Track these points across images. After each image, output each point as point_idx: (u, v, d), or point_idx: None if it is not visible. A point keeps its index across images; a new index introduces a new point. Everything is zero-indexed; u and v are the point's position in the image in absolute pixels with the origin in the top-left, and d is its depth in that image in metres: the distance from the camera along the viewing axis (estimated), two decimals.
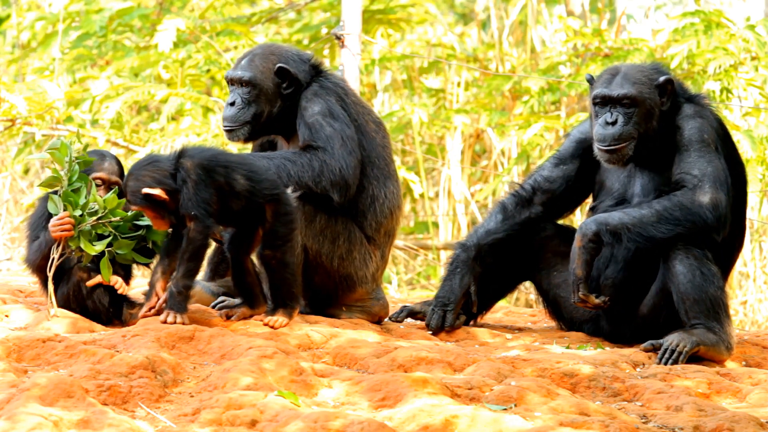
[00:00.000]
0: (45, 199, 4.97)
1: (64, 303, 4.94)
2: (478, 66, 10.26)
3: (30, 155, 9.10)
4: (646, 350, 5.04)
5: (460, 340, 5.36)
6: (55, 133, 8.85)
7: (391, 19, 10.18)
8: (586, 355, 4.88)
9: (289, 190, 5.01)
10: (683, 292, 5.10)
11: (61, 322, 4.84)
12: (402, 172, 9.10)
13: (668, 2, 10.21)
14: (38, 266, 4.94)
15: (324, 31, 10.20)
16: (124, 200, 4.88)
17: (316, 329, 4.92)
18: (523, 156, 8.75)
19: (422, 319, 5.55)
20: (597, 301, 5.21)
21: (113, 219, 4.86)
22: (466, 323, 5.58)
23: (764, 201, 8.38)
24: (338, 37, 7.62)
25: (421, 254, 9.74)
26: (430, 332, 5.40)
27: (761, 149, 7.54)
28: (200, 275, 5.26)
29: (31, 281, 5.77)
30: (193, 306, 4.98)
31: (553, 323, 5.67)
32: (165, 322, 4.75)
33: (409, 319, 5.61)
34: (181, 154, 4.86)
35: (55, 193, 4.91)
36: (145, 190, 4.78)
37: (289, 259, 4.94)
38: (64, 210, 4.84)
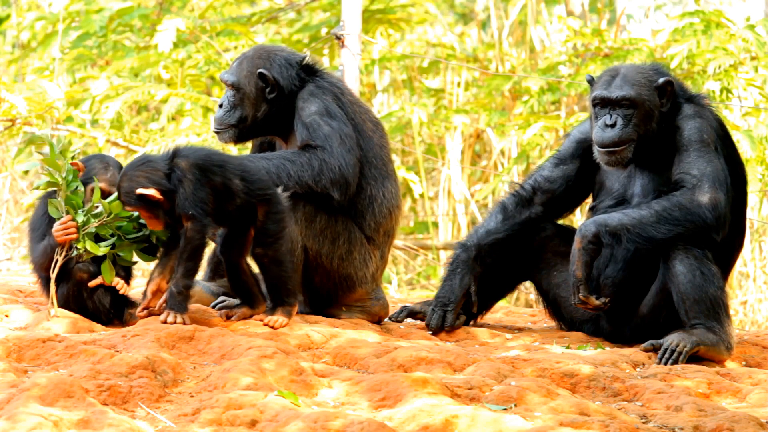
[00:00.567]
0: (46, 198, 4.97)
1: (64, 303, 4.95)
2: (478, 66, 10.26)
3: (22, 163, 9.10)
4: (646, 350, 5.04)
5: (460, 340, 5.36)
6: (55, 133, 8.85)
7: (391, 19, 10.18)
8: (586, 355, 4.88)
9: (279, 190, 5.01)
10: (683, 292, 5.10)
11: (61, 322, 4.84)
12: (402, 172, 9.10)
13: (668, 2, 10.22)
14: (44, 267, 4.95)
15: (324, 31, 10.20)
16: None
17: (316, 329, 4.92)
18: (522, 156, 8.75)
19: (422, 319, 5.55)
20: (597, 302, 5.21)
21: (116, 220, 4.87)
22: (466, 323, 5.59)
23: (764, 201, 8.39)
24: (338, 37, 7.63)
25: (421, 254, 9.74)
26: (430, 332, 5.40)
27: (761, 149, 7.54)
28: (200, 275, 5.26)
29: (31, 281, 5.77)
30: (193, 306, 4.98)
31: (553, 323, 5.67)
32: (165, 321, 4.75)
33: (409, 319, 5.61)
34: (175, 153, 4.85)
35: (53, 195, 4.90)
36: (139, 191, 4.78)
37: (282, 256, 4.93)
38: (67, 213, 4.84)
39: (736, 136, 7.41)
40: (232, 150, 8.06)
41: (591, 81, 5.45)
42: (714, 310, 5.10)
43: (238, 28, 9.29)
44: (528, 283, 5.86)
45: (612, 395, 4.43)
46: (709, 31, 8.00)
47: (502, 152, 9.84)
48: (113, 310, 5.00)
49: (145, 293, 4.91)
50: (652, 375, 4.68)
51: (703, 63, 7.90)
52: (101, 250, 4.82)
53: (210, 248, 5.27)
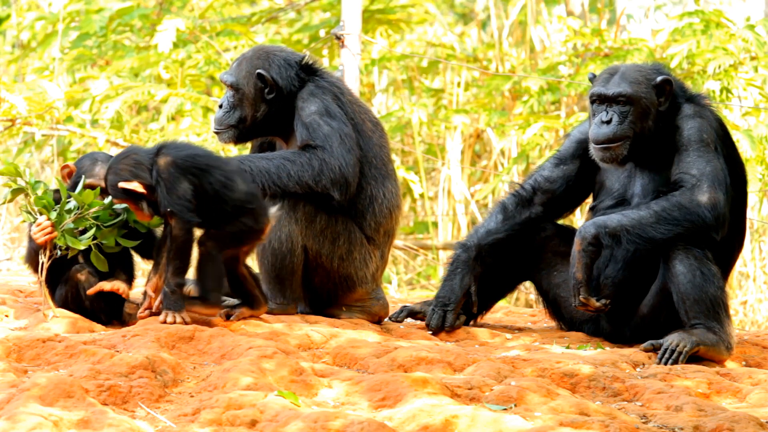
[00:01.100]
0: None
1: (63, 303, 4.95)
2: (477, 66, 10.26)
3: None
4: (646, 350, 5.04)
5: (460, 340, 5.36)
6: (55, 133, 8.85)
7: (391, 19, 10.18)
8: (586, 355, 4.88)
9: (273, 210, 4.96)
10: (683, 292, 5.10)
11: (61, 322, 4.84)
12: (401, 172, 9.10)
13: (668, 2, 10.22)
14: (33, 269, 4.96)
15: (322, 32, 10.20)
16: (98, 190, 4.87)
17: (316, 329, 4.92)
18: (522, 156, 8.75)
19: (422, 319, 5.55)
20: (598, 304, 5.21)
21: (91, 211, 4.85)
22: (466, 323, 5.59)
23: (764, 201, 8.39)
24: (338, 37, 7.63)
25: (420, 254, 9.74)
26: (430, 332, 5.40)
27: (761, 149, 7.54)
28: None
29: (31, 281, 5.77)
30: None
31: (553, 323, 5.67)
32: (165, 322, 4.74)
33: (409, 319, 5.61)
34: (159, 149, 4.84)
35: (19, 189, 4.91)
36: (121, 185, 4.78)
37: (216, 254, 4.90)
38: (40, 215, 4.83)
39: (736, 136, 7.41)
40: (233, 150, 8.07)
41: (592, 79, 5.45)
42: (714, 310, 5.10)
43: (238, 28, 9.29)
44: (528, 283, 5.86)
45: (612, 395, 4.43)
46: (709, 31, 8.00)
47: (502, 152, 9.84)
48: (111, 310, 5.00)
49: (144, 293, 4.91)
50: (652, 375, 4.67)
51: (703, 63, 7.90)
52: (82, 243, 4.81)
53: None
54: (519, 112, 8.90)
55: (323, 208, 5.32)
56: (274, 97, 5.47)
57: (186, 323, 4.74)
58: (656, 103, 5.33)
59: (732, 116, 7.85)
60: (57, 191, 4.92)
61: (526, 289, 8.40)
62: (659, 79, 5.32)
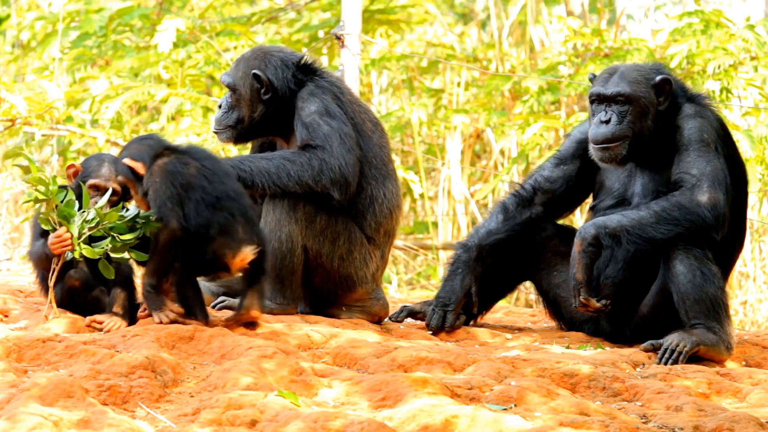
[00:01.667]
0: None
1: (59, 304, 4.95)
2: (477, 66, 10.26)
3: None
4: (646, 350, 5.04)
5: (460, 340, 5.36)
6: (55, 133, 8.85)
7: (391, 19, 10.18)
8: (586, 355, 4.88)
9: (249, 248, 4.80)
10: (683, 292, 5.10)
11: (61, 322, 4.84)
12: (401, 172, 9.10)
13: (668, 2, 10.22)
14: (38, 266, 4.95)
15: (321, 33, 10.20)
16: (119, 207, 4.87)
17: (316, 329, 4.92)
18: (522, 156, 8.75)
19: (422, 319, 5.55)
20: (598, 305, 5.21)
21: (109, 223, 4.85)
22: (466, 323, 5.59)
23: (764, 201, 8.39)
24: (338, 37, 7.63)
25: (420, 254, 9.74)
26: (430, 332, 5.40)
27: (760, 149, 7.54)
28: None
29: (31, 281, 5.77)
30: None
31: (553, 323, 5.67)
32: (160, 322, 4.75)
33: (409, 319, 5.61)
34: (163, 151, 4.84)
35: (43, 199, 4.88)
36: (125, 160, 4.80)
37: (184, 277, 4.89)
38: (60, 226, 4.81)
39: (736, 136, 7.41)
40: (232, 150, 8.07)
41: (592, 79, 5.46)
42: (714, 310, 5.10)
43: (238, 28, 9.29)
44: (528, 283, 5.86)
45: (612, 395, 4.43)
46: (709, 31, 8.00)
47: (502, 152, 9.84)
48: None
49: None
50: (652, 375, 4.67)
51: (702, 63, 7.90)
52: (96, 252, 4.81)
53: None
54: (519, 112, 8.90)
55: (323, 208, 5.32)
56: (270, 98, 5.47)
57: (179, 319, 4.73)
58: (655, 103, 5.33)
59: (732, 116, 7.86)
60: (64, 187, 4.91)
61: (526, 289, 8.40)
62: (658, 78, 5.32)
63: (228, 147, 8.03)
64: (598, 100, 5.32)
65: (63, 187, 4.88)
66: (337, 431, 3.74)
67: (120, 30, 9.73)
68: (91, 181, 4.98)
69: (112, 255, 4.82)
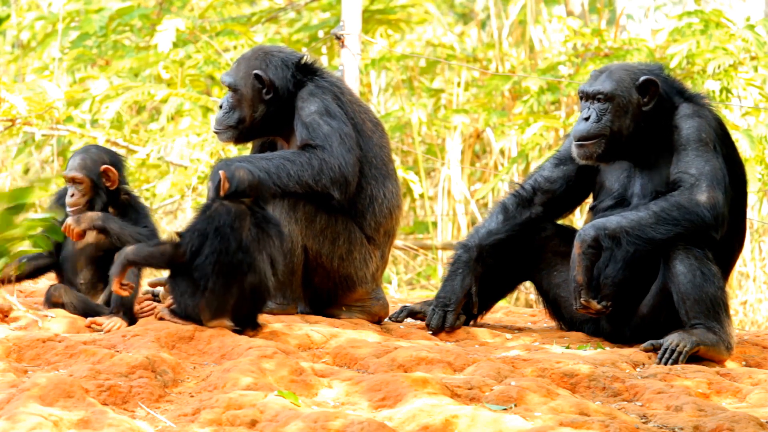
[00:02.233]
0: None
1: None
2: (477, 66, 10.26)
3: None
4: (646, 350, 5.04)
5: (460, 340, 5.36)
6: (55, 133, 8.85)
7: (391, 19, 10.18)
8: (586, 355, 4.88)
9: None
10: (683, 292, 5.10)
11: (61, 322, 4.84)
12: (400, 172, 9.10)
13: (668, 2, 10.22)
14: None
15: (321, 33, 10.20)
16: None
17: (316, 329, 4.92)
18: (522, 156, 8.75)
19: (422, 319, 5.55)
20: (599, 306, 5.21)
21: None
22: (466, 323, 5.58)
23: (764, 201, 8.39)
24: (338, 37, 7.63)
25: (420, 254, 9.74)
26: (430, 332, 5.40)
27: (760, 149, 7.54)
28: None
29: (31, 281, 5.76)
30: None
31: (553, 323, 5.67)
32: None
33: (409, 319, 5.61)
34: None
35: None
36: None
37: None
38: None
39: (736, 136, 7.41)
40: (232, 150, 8.06)
41: None
42: (714, 310, 5.10)
43: (238, 28, 9.29)
44: (528, 283, 5.86)
45: (612, 395, 4.43)
46: (708, 31, 8.00)
47: (502, 152, 9.84)
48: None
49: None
50: (652, 375, 4.67)
51: (702, 63, 7.90)
52: None
53: None
54: (519, 112, 8.90)
55: (323, 208, 5.32)
56: (271, 98, 5.47)
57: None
58: (637, 102, 5.32)
59: (732, 116, 7.85)
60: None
61: (526, 289, 8.40)
62: (642, 79, 5.31)
63: (228, 147, 8.03)
64: (583, 96, 5.36)
65: None
66: (337, 431, 3.74)
67: (120, 30, 9.73)
68: (63, 174, 5.01)
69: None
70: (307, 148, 5.30)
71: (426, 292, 8.95)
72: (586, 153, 5.32)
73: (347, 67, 7.58)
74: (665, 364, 4.93)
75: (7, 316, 4.91)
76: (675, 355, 4.97)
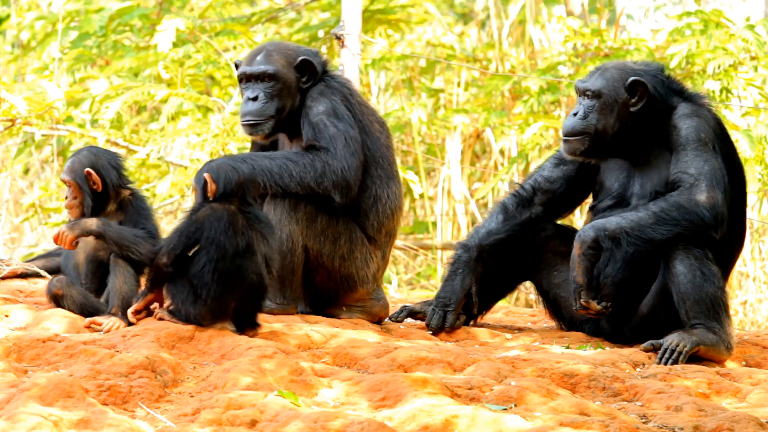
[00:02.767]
0: None
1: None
2: (477, 66, 10.26)
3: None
4: (646, 350, 5.04)
5: (460, 340, 5.36)
6: (55, 133, 8.85)
7: (391, 19, 10.18)
8: (586, 355, 4.88)
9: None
10: (683, 292, 5.10)
11: (61, 321, 4.84)
12: (400, 172, 9.09)
13: (668, 2, 10.22)
14: None
15: (321, 33, 10.20)
16: None
17: (316, 329, 4.92)
18: (522, 156, 8.76)
19: (422, 319, 5.54)
20: (599, 307, 5.21)
21: None
22: (466, 323, 5.58)
23: (764, 201, 8.39)
24: (338, 37, 7.62)
25: (421, 254, 9.74)
26: (431, 332, 5.40)
27: (760, 149, 7.54)
28: None
29: (31, 281, 5.77)
30: None
31: (553, 323, 5.67)
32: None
33: (409, 319, 5.61)
34: None
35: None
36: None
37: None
38: None
39: (736, 136, 7.41)
40: (232, 150, 8.06)
41: None
42: (714, 309, 5.10)
43: (238, 28, 9.29)
44: (528, 283, 5.86)
45: (612, 395, 4.43)
46: (708, 31, 8.00)
47: (502, 152, 9.84)
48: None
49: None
50: (652, 375, 4.67)
51: (702, 63, 7.90)
52: None
53: None
54: (519, 112, 8.90)
55: (324, 208, 5.31)
56: (304, 89, 5.44)
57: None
58: (624, 102, 5.33)
59: (732, 116, 7.85)
60: None
61: (526, 289, 8.40)
62: (630, 79, 5.32)
63: (228, 148, 8.03)
64: (577, 92, 5.38)
65: None
66: (337, 431, 3.74)
67: (120, 30, 9.73)
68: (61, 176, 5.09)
69: None
70: (311, 150, 5.29)
71: (426, 292, 8.95)
72: (571, 149, 5.35)
73: (347, 67, 7.58)
74: (665, 364, 4.93)
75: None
76: (675, 355, 4.97)
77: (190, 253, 4.72)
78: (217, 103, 8.78)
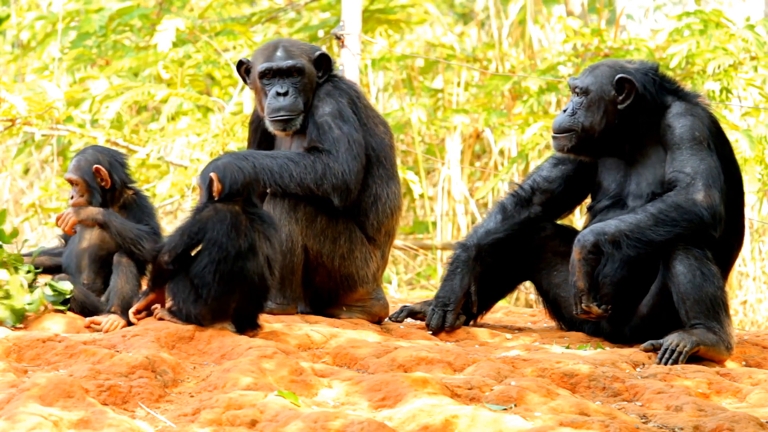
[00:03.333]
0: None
1: None
2: (477, 66, 10.26)
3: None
4: (646, 350, 5.04)
5: (460, 340, 5.37)
6: (55, 133, 8.85)
7: (391, 19, 10.18)
8: (586, 355, 4.88)
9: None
10: (683, 292, 5.10)
11: (61, 322, 4.85)
12: (400, 172, 9.09)
13: (668, 2, 10.22)
14: None
15: (321, 33, 10.20)
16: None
17: (316, 329, 4.92)
18: (522, 156, 8.76)
19: (422, 319, 5.55)
20: (599, 311, 5.21)
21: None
22: (466, 323, 5.59)
23: (764, 201, 8.39)
24: (338, 37, 7.62)
25: (420, 254, 9.74)
26: (430, 332, 5.40)
27: (760, 149, 7.54)
28: None
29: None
30: None
31: (553, 323, 5.67)
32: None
33: (409, 319, 5.61)
34: None
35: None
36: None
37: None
38: None
39: (736, 136, 7.41)
40: (231, 149, 8.05)
41: None
42: (714, 309, 5.10)
43: (238, 28, 9.29)
44: (528, 283, 5.86)
45: (612, 395, 4.43)
46: (708, 31, 8.00)
47: (502, 152, 9.84)
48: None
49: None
50: (652, 375, 4.68)
51: (702, 63, 7.90)
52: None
53: None
54: (519, 112, 8.90)
55: (324, 208, 5.31)
56: (317, 84, 5.44)
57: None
58: (612, 100, 5.33)
59: (732, 116, 7.86)
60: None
61: (526, 289, 8.40)
62: (617, 77, 5.33)
63: (227, 147, 8.03)
64: (570, 89, 5.40)
65: None
66: (337, 431, 3.74)
67: (120, 30, 9.73)
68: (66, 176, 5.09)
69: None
70: (313, 151, 5.29)
71: (426, 292, 8.95)
72: (559, 145, 5.38)
73: (347, 67, 7.58)
74: (665, 364, 4.93)
75: None
76: (675, 355, 4.97)
77: (193, 253, 4.72)
78: (217, 103, 8.78)
